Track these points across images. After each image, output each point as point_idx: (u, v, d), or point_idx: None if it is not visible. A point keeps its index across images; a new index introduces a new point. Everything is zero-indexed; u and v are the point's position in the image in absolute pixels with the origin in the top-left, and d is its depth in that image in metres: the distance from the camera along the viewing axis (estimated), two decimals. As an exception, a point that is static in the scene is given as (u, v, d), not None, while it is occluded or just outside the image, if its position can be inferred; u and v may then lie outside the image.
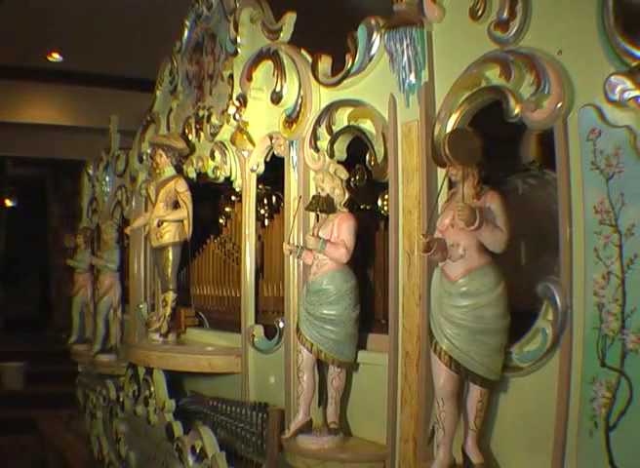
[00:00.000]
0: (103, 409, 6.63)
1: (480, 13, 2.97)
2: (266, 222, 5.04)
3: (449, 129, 3.08)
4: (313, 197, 3.76)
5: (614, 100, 2.42)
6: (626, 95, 2.37)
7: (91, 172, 7.75)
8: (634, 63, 2.36)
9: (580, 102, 2.59)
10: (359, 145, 3.74)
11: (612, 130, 2.48)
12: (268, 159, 4.59)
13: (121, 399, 6.07)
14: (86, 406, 7.29)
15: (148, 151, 5.73)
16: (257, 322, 4.66)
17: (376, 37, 3.53)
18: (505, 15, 2.82)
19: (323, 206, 3.66)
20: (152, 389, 5.37)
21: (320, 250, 3.63)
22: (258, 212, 4.85)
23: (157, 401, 5.28)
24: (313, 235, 3.69)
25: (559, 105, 2.64)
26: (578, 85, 2.61)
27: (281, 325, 4.30)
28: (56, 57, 10.40)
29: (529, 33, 2.80)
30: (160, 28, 6.69)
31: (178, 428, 4.98)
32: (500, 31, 2.86)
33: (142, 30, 8.45)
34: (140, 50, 8.33)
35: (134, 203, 6.36)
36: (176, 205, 5.31)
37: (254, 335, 4.58)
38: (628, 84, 2.37)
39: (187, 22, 5.69)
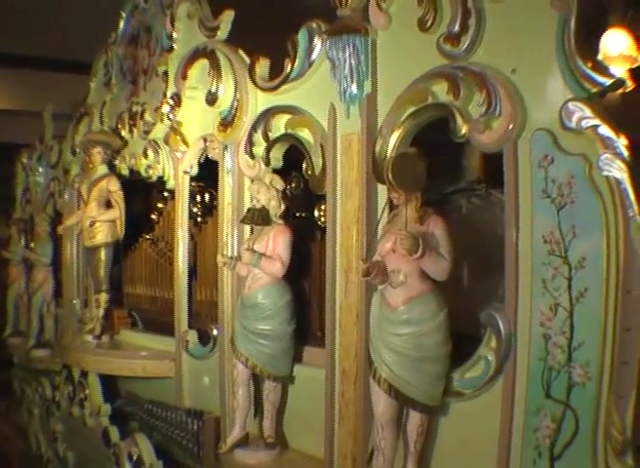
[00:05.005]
0: (40, 406, 6.21)
1: (429, 24, 2.64)
2: (199, 220, 4.66)
3: (391, 145, 2.79)
4: (248, 210, 3.45)
5: (570, 128, 2.14)
6: (584, 123, 2.11)
7: (25, 160, 7.23)
8: (594, 90, 2.09)
9: (533, 126, 2.33)
10: (295, 150, 3.41)
11: (566, 157, 2.23)
12: (202, 161, 4.21)
13: (56, 398, 5.68)
14: (23, 399, 6.85)
15: (80, 147, 5.30)
16: (190, 326, 4.34)
17: (317, 42, 3.20)
18: (457, 28, 2.51)
19: (258, 219, 3.37)
20: (87, 392, 5.01)
21: (255, 264, 3.33)
22: (190, 210, 4.48)
23: (92, 404, 4.94)
24: (248, 248, 3.38)
25: (510, 127, 2.37)
26: (531, 108, 2.34)
27: (215, 332, 3.99)
28: (-9, 39, 9.72)
29: (481, 49, 2.50)
30: (97, 11, 6.18)
31: (114, 434, 4.62)
32: (451, 45, 2.55)
33: (79, 12, 7.87)
34: (77, 32, 7.76)
35: (66, 196, 5.92)
36: (108, 203, 4.94)
37: (188, 341, 4.25)
38: (587, 112, 2.10)
39: (123, 13, 5.22)
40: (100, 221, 4.84)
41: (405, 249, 2.46)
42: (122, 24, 5.24)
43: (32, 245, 6.70)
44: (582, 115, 2.11)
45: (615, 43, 2.18)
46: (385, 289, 2.67)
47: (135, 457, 4.29)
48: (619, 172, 2.07)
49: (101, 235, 4.85)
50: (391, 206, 2.73)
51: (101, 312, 4.89)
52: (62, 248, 5.98)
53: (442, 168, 2.88)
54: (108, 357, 4.74)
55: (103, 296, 4.90)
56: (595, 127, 2.09)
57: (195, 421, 4.03)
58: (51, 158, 6.46)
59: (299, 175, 3.69)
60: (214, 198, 4.45)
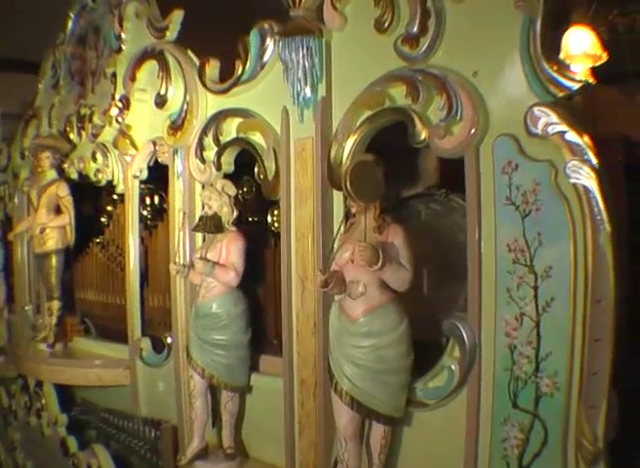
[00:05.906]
0: (-3, 414, 5.89)
1: (387, 25, 2.44)
2: (149, 223, 4.36)
3: (347, 150, 2.59)
4: (200, 218, 3.23)
5: (535, 134, 1.97)
6: (550, 129, 1.94)
7: (-26, 164, 6.79)
8: (561, 94, 1.91)
9: (496, 131, 2.16)
10: (246, 154, 3.18)
11: (531, 164, 2.07)
12: (152, 164, 3.94)
13: (13, 407, 5.39)
14: (-20, 408, 6.48)
15: (29, 151, 4.98)
16: (143, 333, 4.07)
17: (269, 43, 2.97)
18: (416, 29, 2.31)
19: (211, 227, 3.15)
20: (44, 402, 4.77)
21: (208, 274, 3.12)
22: (140, 213, 4.20)
23: (49, 415, 4.69)
24: (201, 257, 3.16)
25: (472, 132, 2.19)
26: (494, 112, 2.17)
27: (169, 340, 3.75)
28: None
29: (441, 51, 2.32)
30: (48, 9, 5.82)
31: (72, 444, 4.40)
32: (409, 47, 2.35)
33: (29, 11, 7.47)
34: (27, 32, 7.37)
35: (17, 200, 5.55)
36: (58, 209, 4.64)
37: (142, 349, 3.99)
38: (553, 117, 1.92)
39: (71, 14, 4.88)
40: (50, 228, 4.54)
41: (365, 260, 2.28)
42: (70, 24, 4.89)
43: (-16, 250, 6.29)
44: (549, 121, 1.94)
45: (578, 41, 2.02)
46: (344, 299, 2.49)
47: (94, 468, 4.07)
48: (587, 179, 1.91)
49: (52, 241, 4.55)
50: (348, 213, 2.54)
51: (54, 320, 4.59)
52: (13, 254, 5.64)
53: (398, 172, 2.68)
54: (63, 366, 4.44)
55: (56, 304, 4.59)
56: (562, 133, 1.93)
57: (153, 430, 3.81)
58: (0, 161, 6.07)
59: (250, 179, 3.46)
60: (164, 201, 4.18)
